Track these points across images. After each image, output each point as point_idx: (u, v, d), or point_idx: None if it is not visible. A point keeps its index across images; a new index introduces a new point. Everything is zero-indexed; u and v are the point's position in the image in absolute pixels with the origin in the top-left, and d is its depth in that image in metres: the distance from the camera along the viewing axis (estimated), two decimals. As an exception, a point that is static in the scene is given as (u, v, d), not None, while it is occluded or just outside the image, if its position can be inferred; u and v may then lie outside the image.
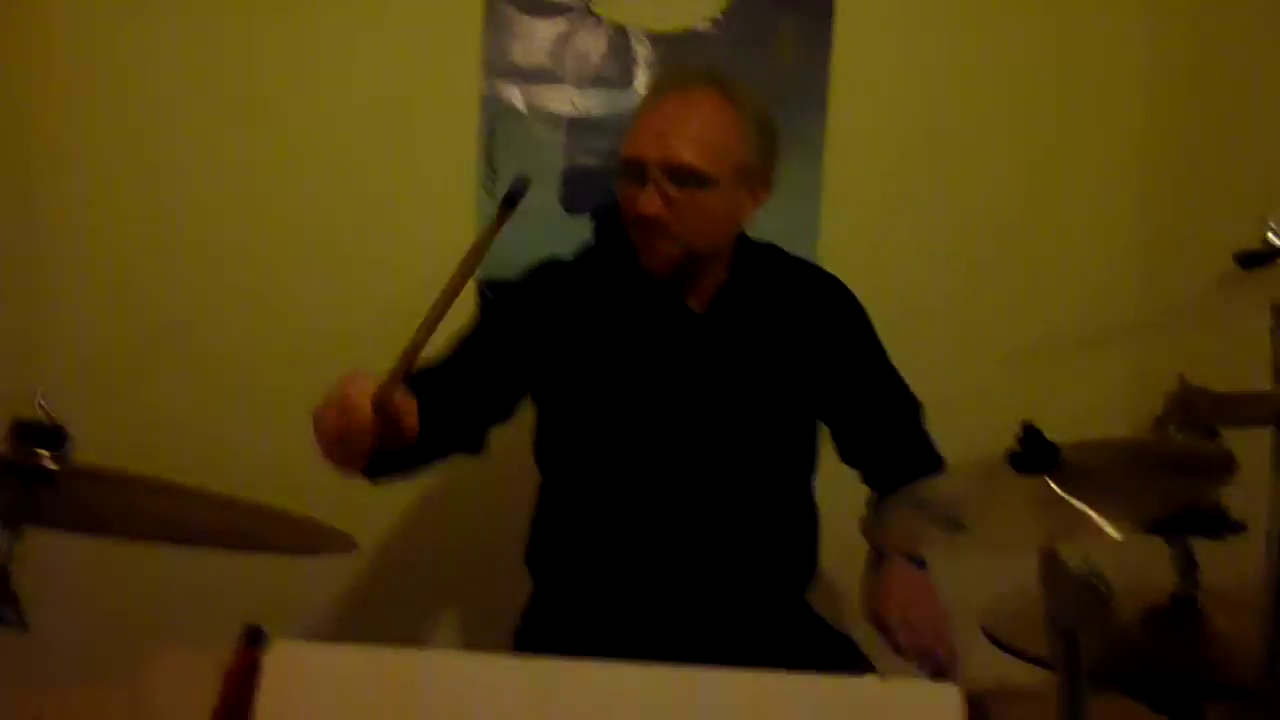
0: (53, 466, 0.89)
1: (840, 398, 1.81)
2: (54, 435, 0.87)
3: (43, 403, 0.85)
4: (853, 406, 1.84)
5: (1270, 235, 0.86)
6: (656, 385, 1.74)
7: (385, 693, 0.75)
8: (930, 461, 1.81)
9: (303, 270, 2.35)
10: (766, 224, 1.88)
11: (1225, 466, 0.94)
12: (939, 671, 1.50)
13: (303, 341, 2.31)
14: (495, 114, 2.37)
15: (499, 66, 2.37)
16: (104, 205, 2.28)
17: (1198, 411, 1.09)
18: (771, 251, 1.87)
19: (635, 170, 1.66)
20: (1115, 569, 1.15)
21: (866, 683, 0.84)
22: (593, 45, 2.40)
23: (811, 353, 1.80)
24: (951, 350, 2.39)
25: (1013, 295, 2.47)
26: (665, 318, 1.75)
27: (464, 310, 1.96)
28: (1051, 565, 0.88)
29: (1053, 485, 0.91)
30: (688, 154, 1.63)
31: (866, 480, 1.90)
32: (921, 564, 1.64)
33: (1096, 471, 0.93)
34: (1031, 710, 1.11)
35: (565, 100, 2.39)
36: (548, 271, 1.86)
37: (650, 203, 1.63)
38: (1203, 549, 1.15)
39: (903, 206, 2.49)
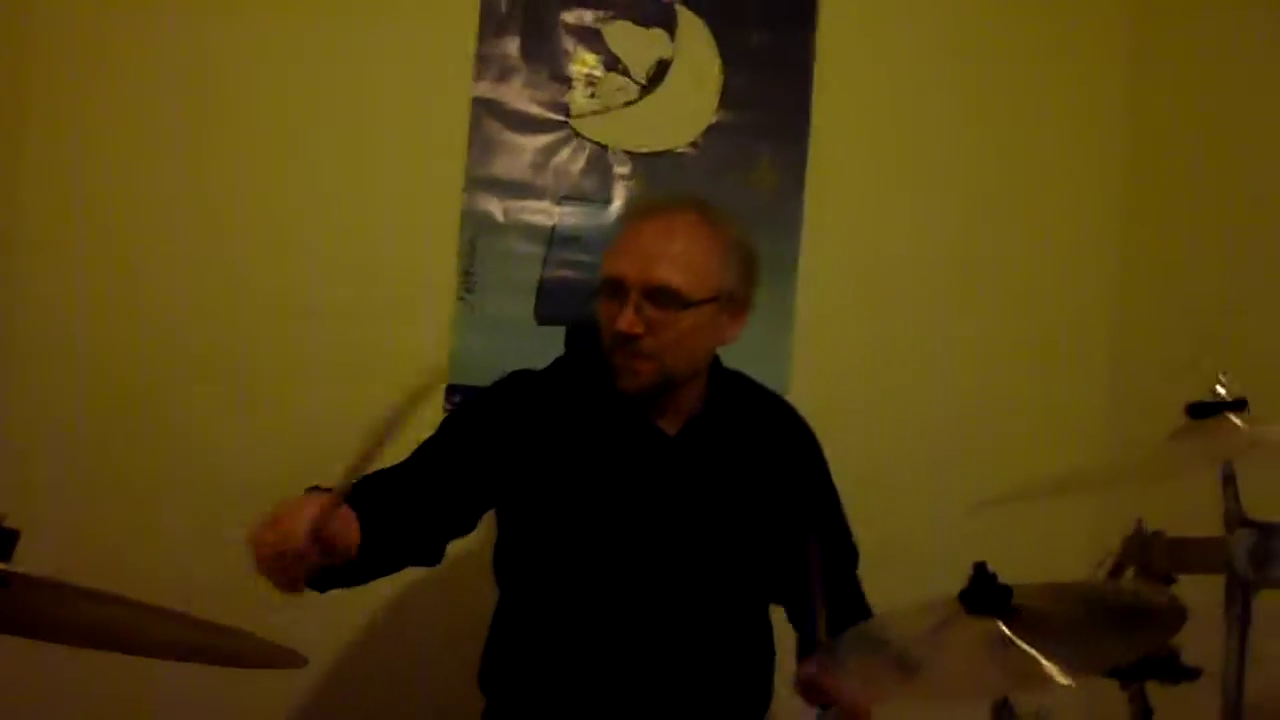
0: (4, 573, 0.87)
1: (789, 531, 1.78)
2: (6, 540, 0.85)
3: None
4: (798, 537, 1.82)
5: (1219, 388, 0.88)
6: (623, 504, 1.72)
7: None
8: (862, 612, 1.80)
9: (278, 369, 2.33)
10: (740, 348, 1.89)
11: (1176, 617, 0.93)
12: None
13: (277, 440, 2.29)
14: (475, 225, 2.40)
15: (481, 179, 2.41)
16: (68, 286, 2.27)
17: (1153, 557, 1.09)
18: (740, 379, 1.88)
19: (615, 289, 1.67)
20: (1072, 714, 1.15)
21: None
22: (573, 162, 2.45)
23: (772, 484, 1.79)
24: (918, 487, 2.41)
25: (980, 436, 2.50)
26: (636, 438, 1.74)
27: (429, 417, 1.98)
28: (1002, 716, 0.87)
29: (1004, 628, 0.91)
30: (667, 275, 1.65)
31: (793, 619, 1.87)
32: None
33: (1048, 616, 0.93)
34: None
35: (544, 214, 2.44)
36: (517, 382, 1.84)
37: (629, 321, 1.64)
38: (1158, 694, 1.14)
39: (876, 335, 2.54)
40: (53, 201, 2.26)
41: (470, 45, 2.40)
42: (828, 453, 1.92)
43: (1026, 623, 0.91)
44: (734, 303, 1.74)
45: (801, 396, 2.21)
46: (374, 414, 2.26)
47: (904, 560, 1.95)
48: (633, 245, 1.69)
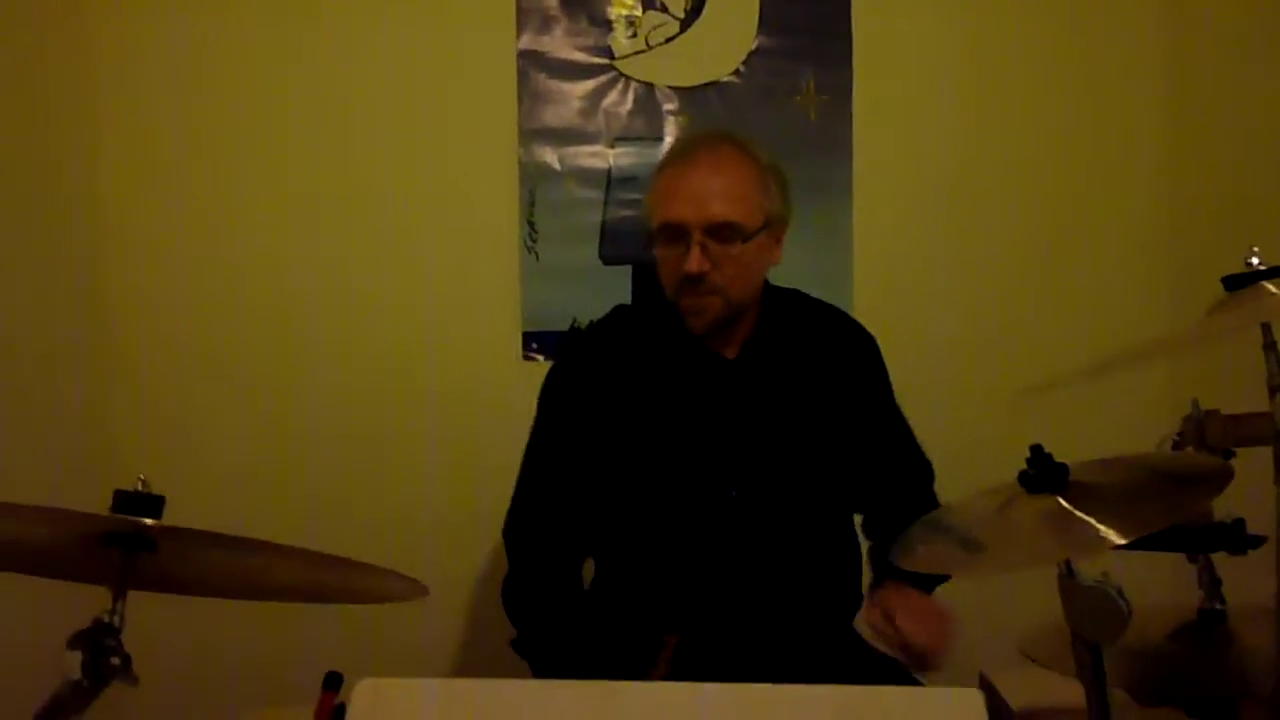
0: (153, 534, 0.95)
1: (854, 438, 1.85)
2: (153, 504, 0.94)
3: (142, 478, 0.93)
4: (866, 447, 1.88)
5: (1253, 259, 0.92)
6: (695, 430, 1.80)
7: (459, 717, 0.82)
8: None
9: (363, 329, 2.46)
10: (804, 270, 1.94)
11: (1223, 476, 0.98)
12: (918, 660, 1.57)
13: (365, 390, 2.44)
14: (533, 176, 2.48)
15: (534, 130, 2.48)
16: (175, 272, 2.42)
17: (1209, 433, 1.14)
18: (795, 296, 1.93)
19: (676, 233, 1.72)
20: (1146, 588, 1.20)
21: (892, 691, 0.89)
22: (622, 103, 2.51)
23: (833, 393, 1.85)
24: (974, 379, 2.47)
25: (1029, 327, 2.54)
26: (699, 367, 1.82)
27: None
28: (1068, 582, 0.93)
29: (1062, 502, 0.96)
30: (726, 211, 1.70)
31: (865, 528, 1.94)
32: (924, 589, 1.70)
33: (1103, 487, 0.98)
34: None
35: (599, 157, 2.50)
36: (579, 348, 1.95)
37: (697, 261, 1.69)
38: (1226, 565, 1.19)
39: (931, 246, 2.56)
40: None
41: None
42: (894, 359, 1.97)
43: (1082, 495, 0.97)
44: (779, 225, 1.80)
45: (865, 310, 2.26)
46: (452, 368, 2.43)
47: (968, 449, 1.99)
48: (684, 188, 1.73)
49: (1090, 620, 0.93)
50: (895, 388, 1.96)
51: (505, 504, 1.89)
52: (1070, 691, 1.19)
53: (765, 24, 2.52)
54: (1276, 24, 2.32)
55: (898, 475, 1.92)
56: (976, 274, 2.56)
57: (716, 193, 1.71)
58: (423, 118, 2.45)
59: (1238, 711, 1.08)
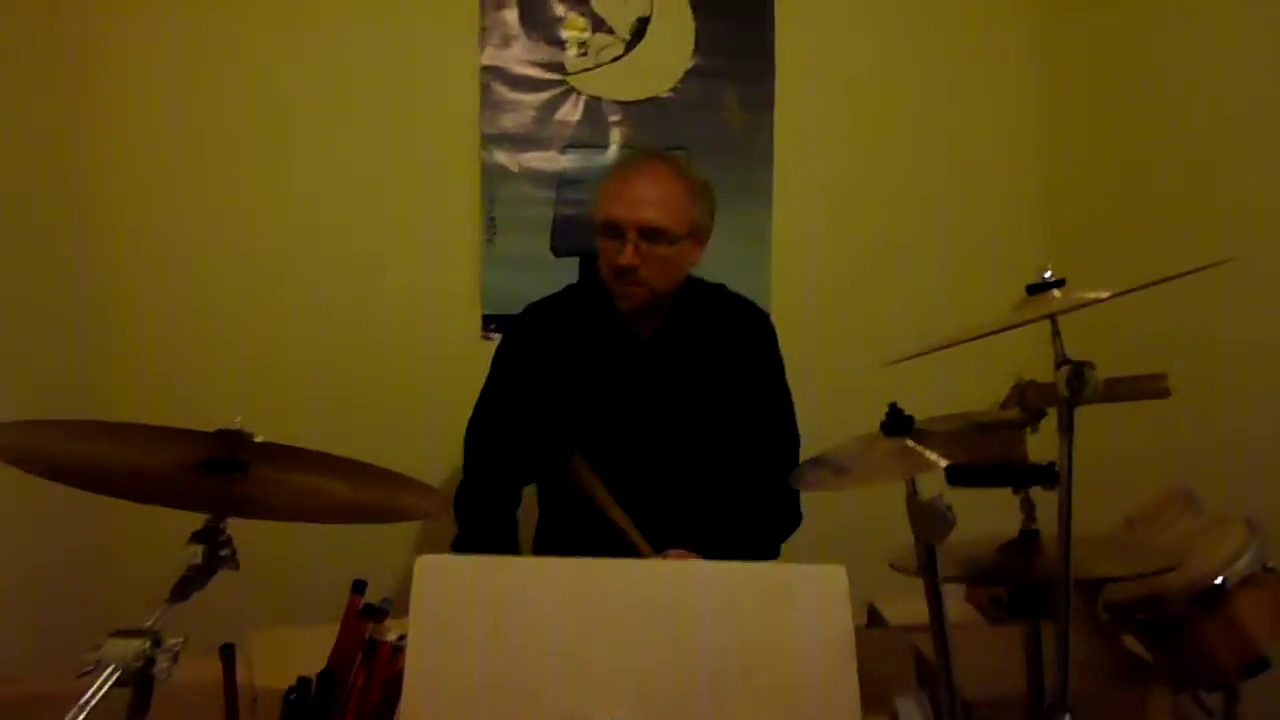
0: (250, 456, 1.24)
1: (743, 403, 2.21)
2: (246, 441, 1.25)
3: (239, 419, 1.24)
4: (749, 412, 2.23)
5: (1047, 274, 1.32)
6: (611, 393, 2.18)
7: (495, 587, 1.18)
8: (768, 504, 2.18)
9: (337, 308, 2.77)
10: (728, 265, 2.31)
11: (1019, 425, 1.37)
12: None
13: (338, 363, 2.77)
14: (493, 176, 2.81)
15: (494, 135, 2.81)
16: (169, 269, 2.70)
17: (1030, 397, 1.52)
18: (716, 290, 2.30)
19: (614, 230, 2.09)
20: (983, 516, 1.60)
21: (769, 566, 1.24)
22: (572, 114, 2.85)
23: (725, 370, 2.22)
24: (861, 352, 2.69)
25: (908, 310, 2.94)
26: (619, 343, 2.20)
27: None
28: (912, 500, 1.30)
29: (908, 442, 1.34)
30: (656, 217, 2.06)
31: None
32: None
33: (938, 432, 1.36)
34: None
35: (551, 161, 2.84)
36: (529, 318, 2.30)
37: (629, 257, 2.07)
38: (1042, 497, 1.57)
39: (840, 246, 2.97)
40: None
41: (475, 19, 2.78)
42: (802, 339, 2.35)
43: (923, 438, 1.35)
44: (702, 233, 2.18)
45: (780, 298, 2.64)
46: (419, 344, 2.72)
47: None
48: (625, 194, 2.10)
49: (926, 526, 1.31)
50: (802, 361, 2.33)
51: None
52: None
53: (700, 46, 2.89)
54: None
55: (768, 444, 2.25)
56: (873, 268, 2.97)
57: (651, 201, 2.08)
58: (395, 122, 2.77)
59: (1043, 598, 1.46)
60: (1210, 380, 2.42)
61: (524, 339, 2.27)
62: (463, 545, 2.15)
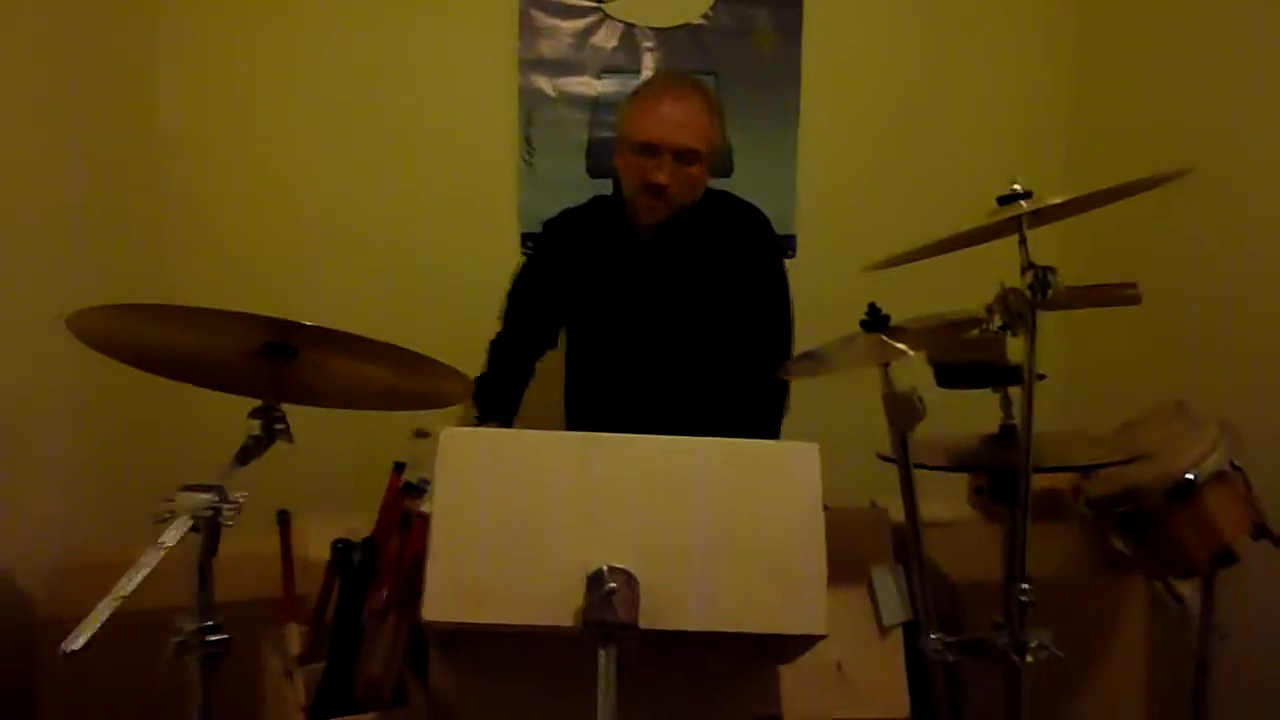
0: (301, 340, 1.39)
1: (740, 294, 2.36)
2: (297, 327, 1.42)
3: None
4: (746, 304, 2.37)
5: (1015, 186, 1.45)
6: (621, 287, 2.37)
7: (511, 456, 1.37)
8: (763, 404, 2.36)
9: (385, 227, 2.95)
10: (755, 184, 2.43)
11: (975, 323, 1.50)
12: None
13: (380, 279, 2.95)
14: (530, 100, 2.95)
15: (532, 60, 2.94)
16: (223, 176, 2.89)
17: (1012, 302, 1.65)
18: (723, 197, 2.42)
19: (650, 150, 2.23)
20: (967, 415, 1.74)
21: (753, 443, 1.39)
22: (607, 40, 2.97)
23: (724, 268, 2.36)
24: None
25: (927, 229, 3.00)
26: (627, 243, 2.37)
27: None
28: (886, 390, 1.45)
29: (884, 338, 1.49)
30: (690, 139, 2.22)
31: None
32: None
33: (912, 331, 1.50)
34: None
35: (586, 86, 2.97)
36: (553, 227, 2.52)
37: (666, 175, 2.22)
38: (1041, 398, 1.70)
39: (864, 167, 3.07)
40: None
41: (515, -52, 2.90)
42: (823, 248, 2.48)
43: (897, 334, 1.50)
44: (717, 153, 2.33)
45: (805, 212, 2.74)
46: (461, 259, 2.88)
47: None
48: (663, 116, 2.24)
49: (899, 414, 1.46)
50: (822, 273, 2.46)
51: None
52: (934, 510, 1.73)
53: (731, -27, 2.99)
54: None
55: (762, 335, 2.39)
56: (894, 189, 3.07)
57: (687, 125, 2.23)
58: (438, 50, 2.90)
59: (1016, 485, 1.60)
60: (1214, 297, 2.53)
61: (551, 236, 2.52)
62: (484, 382, 2.38)
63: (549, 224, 2.54)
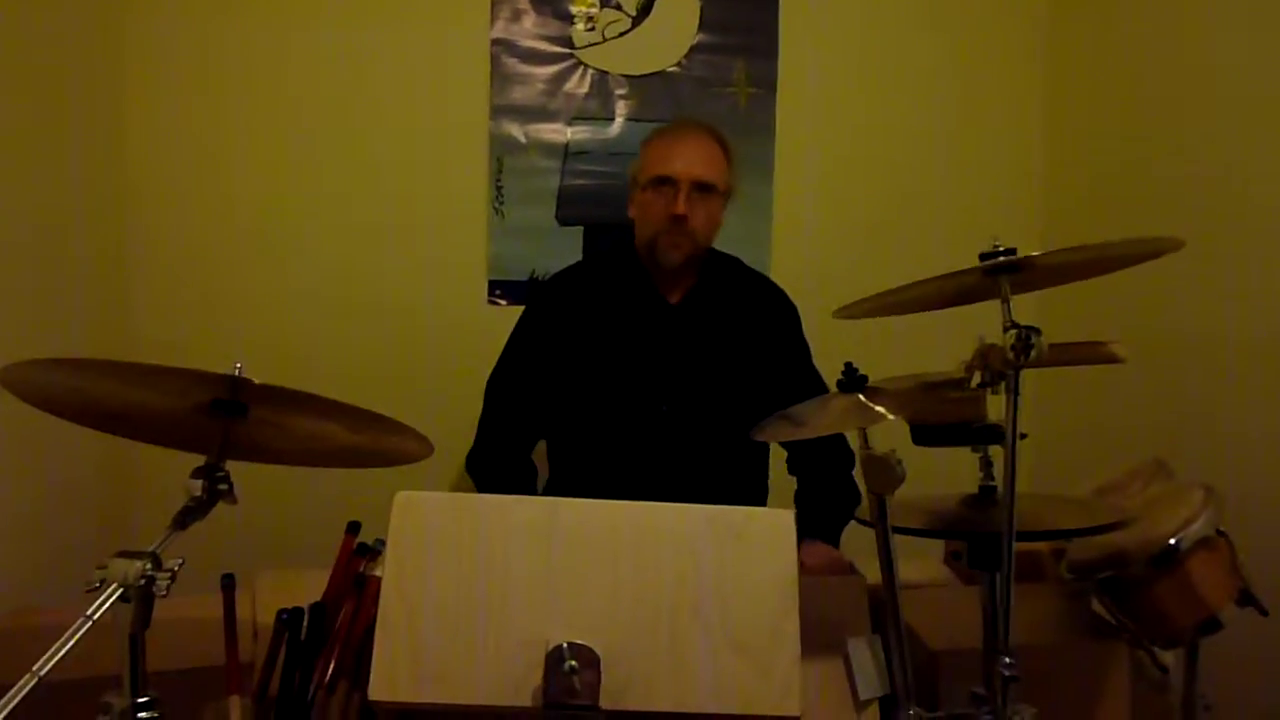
0: (250, 398, 1.33)
1: (768, 378, 2.29)
2: (247, 384, 1.34)
3: (239, 365, 1.33)
4: (780, 391, 2.27)
5: (995, 244, 1.40)
6: (642, 356, 2.26)
7: (467, 521, 1.28)
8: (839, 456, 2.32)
9: (350, 272, 2.88)
10: (730, 234, 2.37)
11: (963, 384, 1.45)
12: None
13: (349, 326, 2.87)
14: (501, 147, 2.90)
15: (503, 107, 2.90)
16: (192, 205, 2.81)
17: (992, 359, 1.60)
18: (733, 262, 2.40)
19: (666, 182, 2.20)
20: (944, 472, 1.68)
21: (725, 509, 1.33)
22: (579, 87, 2.93)
23: (754, 341, 2.31)
24: (861, 324, 2.90)
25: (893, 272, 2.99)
26: (648, 308, 2.28)
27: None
28: (865, 453, 1.39)
29: (860, 398, 1.43)
30: (705, 172, 2.21)
31: (790, 464, 2.40)
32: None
33: (890, 391, 1.45)
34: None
35: (558, 133, 2.92)
36: (548, 290, 2.40)
37: (684, 204, 2.18)
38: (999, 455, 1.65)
39: (834, 214, 3.05)
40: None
41: (486, -7, 2.86)
42: (805, 312, 2.41)
43: (874, 395, 1.44)
44: (730, 192, 2.30)
45: (780, 266, 2.70)
46: (427, 308, 2.81)
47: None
48: (678, 153, 2.22)
49: (877, 478, 1.40)
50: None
51: (469, 427, 2.34)
52: (907, 571, 1.67)
53: (705, 23, 2.96)
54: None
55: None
56: (868, 245, 3.04)
57: (702, 158, 2.22)
58: (409, 94, 2.86)
59: (998, 550, 1.54)
60: (1194, 362, 2.50)
61: (554, 301, 2.35)
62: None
63: (544, 287, 2.42)
